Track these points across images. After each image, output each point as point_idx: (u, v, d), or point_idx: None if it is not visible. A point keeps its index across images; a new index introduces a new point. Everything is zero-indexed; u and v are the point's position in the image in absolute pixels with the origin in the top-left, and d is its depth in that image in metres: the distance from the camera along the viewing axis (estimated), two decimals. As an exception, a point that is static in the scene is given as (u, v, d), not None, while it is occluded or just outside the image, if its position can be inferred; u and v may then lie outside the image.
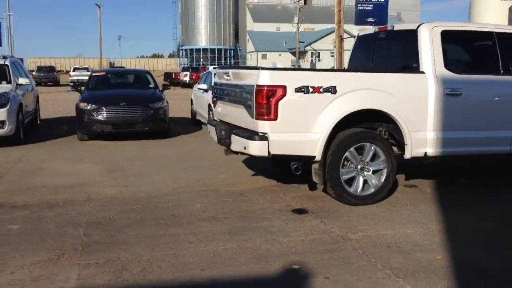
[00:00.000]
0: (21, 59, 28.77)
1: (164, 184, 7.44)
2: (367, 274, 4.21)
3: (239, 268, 4.34)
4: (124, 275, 4.19)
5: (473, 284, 4.12)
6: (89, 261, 4.49)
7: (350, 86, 6.06)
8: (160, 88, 13.31)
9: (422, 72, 6.37)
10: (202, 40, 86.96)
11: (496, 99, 6.72)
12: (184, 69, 49.42)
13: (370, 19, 16.85)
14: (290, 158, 6.10)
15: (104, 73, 14.45)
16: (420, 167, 8.07)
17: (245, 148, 6.07)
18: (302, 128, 5.95)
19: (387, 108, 6.17)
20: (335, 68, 20.24)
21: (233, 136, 6.45)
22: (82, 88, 13.33)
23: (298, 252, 4.74)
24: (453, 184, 7.47)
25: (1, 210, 6.10)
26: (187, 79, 42.11)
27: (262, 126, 5.90)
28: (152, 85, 13.34)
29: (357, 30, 12.01)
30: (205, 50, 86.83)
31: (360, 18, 17.17)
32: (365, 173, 6.27)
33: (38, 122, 14.39)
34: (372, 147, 6.22)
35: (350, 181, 6.24)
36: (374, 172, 6.30)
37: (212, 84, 7.96)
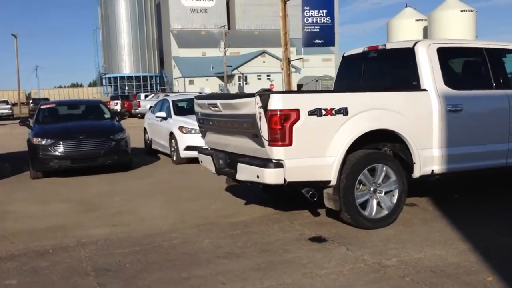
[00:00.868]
0: None
1: (157, 220, 6.89)
2: (433, 304, 3.99)
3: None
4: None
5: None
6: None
7: (361, 107, 5.90)
8: (117, 118, 12.59)
9: (425, 90, 6.34)
10: (126, 67, 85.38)
11: (492, 113, 6.82)
12: (114, 98, 48.39)
13: (317, 41, 17.01)
14: (305, 185, 5.81)
15: (54, 105, 13.50)
16: (410, 185, 8.01)
17: (258, 177, 5.70)
18: (316, 152, 5.70)
19: (397, 127, 6.06)
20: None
21: (240, 165, 6.05)
22: (30, 121, 12.38)
23: (344, 284, 4.43)
24: (447, 200, 7.45)
25: (-14, 264, 5.36)
26: (118, 107, 40.85)
27: (277, 152, 5.57)
28: (108, 115, 12.57)
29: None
30: (129, 77, 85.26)
31: (307, 40, 17.31)
32: (378, 195, 6.10)
33: None
34: (384, 168, 6.07)
35: (364, 204, 6.04)
36: (385, 193, 6.14)
37: (195, 114, 7.48)
